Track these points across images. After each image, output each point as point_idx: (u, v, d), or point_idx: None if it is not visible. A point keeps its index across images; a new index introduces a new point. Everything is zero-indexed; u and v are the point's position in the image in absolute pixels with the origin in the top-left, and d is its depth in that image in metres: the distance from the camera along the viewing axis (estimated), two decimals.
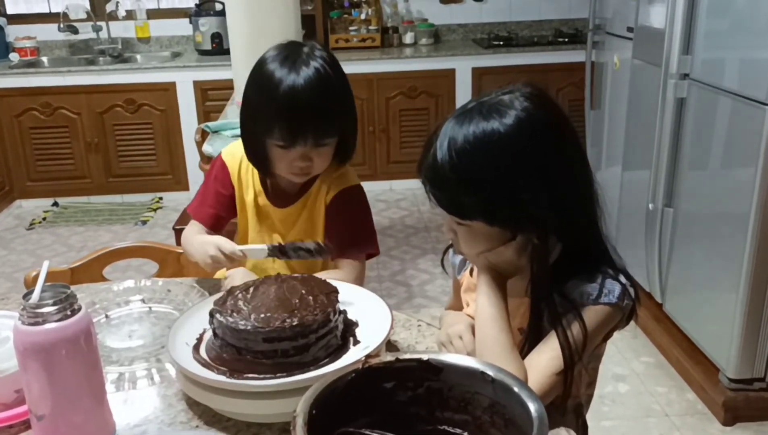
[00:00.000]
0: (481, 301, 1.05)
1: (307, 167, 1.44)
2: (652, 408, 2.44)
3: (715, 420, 2.34)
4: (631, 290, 1.06)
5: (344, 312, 1.13)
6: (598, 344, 1.09)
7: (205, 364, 1.05)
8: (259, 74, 1.42)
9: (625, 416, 2.40)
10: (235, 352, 1.03)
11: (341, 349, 1.07)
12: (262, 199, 1.57)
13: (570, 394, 1.06)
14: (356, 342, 1.10)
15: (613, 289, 1.04)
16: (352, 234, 1.53)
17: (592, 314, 1.03)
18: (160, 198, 4.68)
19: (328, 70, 1.39)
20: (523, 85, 1.04)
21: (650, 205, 2.69)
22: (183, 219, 3.05)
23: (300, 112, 1.36)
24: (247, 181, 1.57)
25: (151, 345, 1.26)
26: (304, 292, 1.09)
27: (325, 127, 1.40)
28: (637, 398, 2.49)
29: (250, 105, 1.45)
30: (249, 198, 1.57)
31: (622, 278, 1.06)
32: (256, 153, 1.48)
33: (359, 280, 1.50)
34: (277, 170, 1.47)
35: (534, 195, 0.99)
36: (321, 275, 1.40)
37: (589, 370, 1.16)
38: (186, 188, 4.63)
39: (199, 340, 1.11)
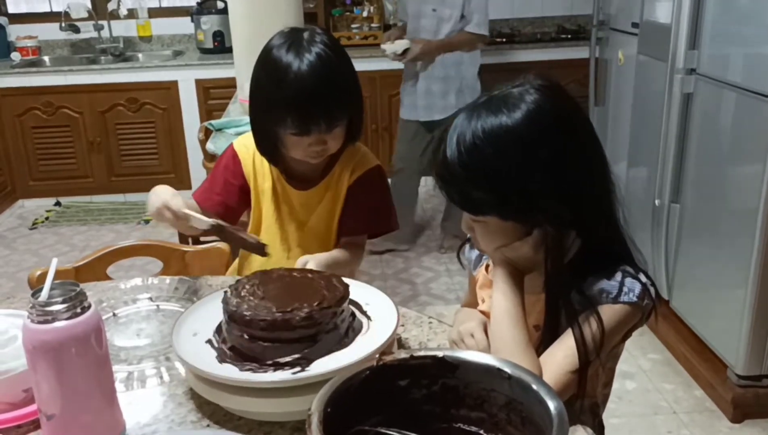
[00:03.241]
0: (497, 297, 1.04)
1: (323, 149, 1.46)
2: (660, 405, 2.43)
3: (724, 417, 2.33)
4: (652, 290, 1.04)
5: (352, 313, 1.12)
6: (616, 344, 1.08)
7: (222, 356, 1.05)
8: (266, 63, 1.43)
9: (632, 413, 2.39)
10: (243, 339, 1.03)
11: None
12: (282, 184, 1.57)
13: (584, 393, 1.04)
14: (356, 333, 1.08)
15: (633, 287, 1.02)
16: (373, 215, 1.59)
17: (610, 313, 1.01)
18: None
19: (330, 54, 1.40)
20: (534, 78, 1.02)
21: (656, 201, 2.68)
22: None
23: (309, 101, 1.38)
24: (264, 169, 1.57)
25: (160, 343, 1.24)
26: (315, 285, 1.09)
27: (336, 110, 1.41)
28: (644, 395, 2.48)
29: (260, 96, 1.46)
30: (266, 185, 1.57)
31: (643, 277, 1.04)
32: (267, 143, 1.49)
33: (363, 251, 1.61)
34: (294, 155, 1.48)
35: (545, 188, 0.98)
36: (333, 253, 1.50)
37: (606, 370, 1.14)
38: (189, 187, 4.61)
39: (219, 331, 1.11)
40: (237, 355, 1.03)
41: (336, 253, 1.52)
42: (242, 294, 1.06)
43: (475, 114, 1.00)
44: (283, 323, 1.01)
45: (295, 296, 1.05)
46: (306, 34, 1.42)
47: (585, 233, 1.04)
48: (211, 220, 1.38)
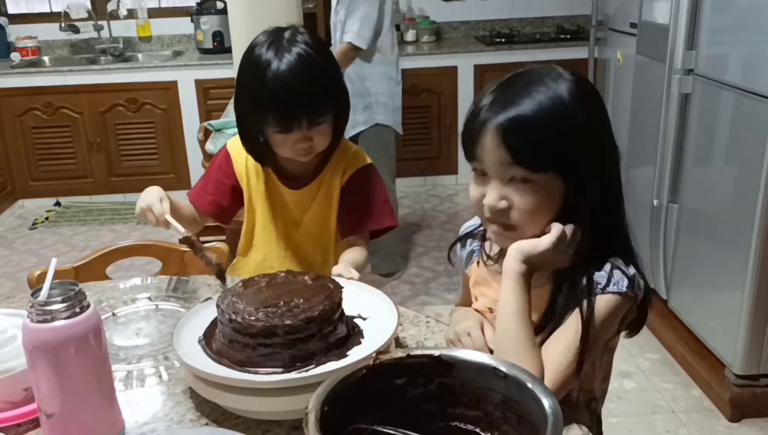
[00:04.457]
0: (507, 295, 1.03)
1: (310, 147, 1.46)
2: (658, 404, 2.44)
3: (722, 416, 2.34)
4: (641, 282, 1.05)
5: (343, 323, 1.09)
6: (611, 336, 1.09)
7: (212, 356, 1.05)
8: (248, 61, 1.45)
9: (631, 413, 2.40)
10: (227, 340, 1.04)
11: (287, 364, 1.02)
12: (275, 184, 1.58)
13: (578, 387, 1.05)
14: (323, 360, 1.03)
15: (622, 278, 1.04)
16: (369, 211, 1.58)
17: (600, 304, 1.02)
18: None
19: (311, 53, 1.41)
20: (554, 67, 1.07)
21: (655, 202, 2.68)
22: None
23: (290, 99, 1.39)
24: (257, 169, 1.58)
25: (159, 343, 1.25)
26: (298, 299, 1.06)
27: (317, 108, 1.42)
28: (642, 395, 2.49)
29: (243, 94, 1.48)
30: (260, 186, 1.58)
31: (632, 268, 1.06)
32: (253, 141, 1.50)
33: (369, 250, 1.59)
34: (282, 153, 1.49)
35: (589, 151, 1.03)
36: (347, 254, 1.50)
37: (603, 364, 1.15)
38: (188, 187, 4.58)
39: (211, 329, 1.11)
40: (233, 359, 1.03)
41: (353, 256, 1.51)
42: (234, 299, 1.06)
43: (523, 79, 1.05)
44: (279, 327, 1.00)
45: (291, 299, 1.05)
46: (287, 33, 1.44)
47: (598, 217, 1.06)
48: (184, 232, 1.39)
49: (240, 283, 1.12)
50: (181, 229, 1.40)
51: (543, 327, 1.07)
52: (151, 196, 1.44)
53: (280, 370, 1.00)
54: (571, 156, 1.02)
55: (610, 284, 1.03)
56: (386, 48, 3.32)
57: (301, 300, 1.06)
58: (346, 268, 1.36)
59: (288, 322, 1.01)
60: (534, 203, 1.03)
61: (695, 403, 2.43)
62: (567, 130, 1.02)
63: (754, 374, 2.29)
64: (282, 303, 1.04)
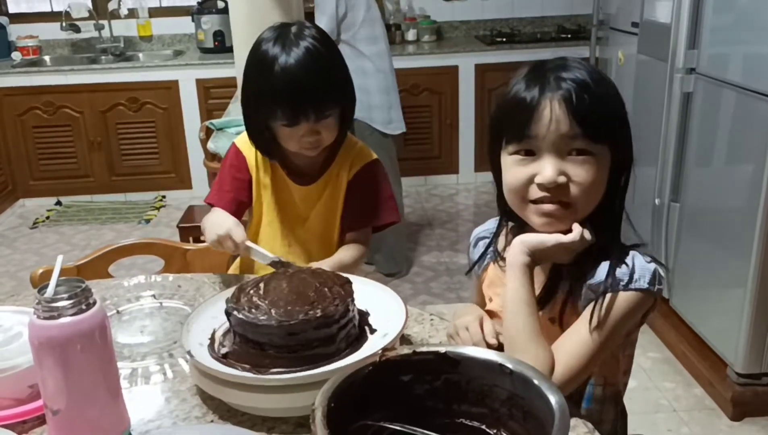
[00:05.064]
0: (514, 287, 1.04)
1: (317, 140, 1.48)
2: (660, 403, 2.44)
3: (723, 415, 2.34)
4: (662, 274, 1.06)
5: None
6: (631, 330, 1.09)
7: (227, 363, 1.03)
8: (255, 57, 1.46)
9: (632, 411, 2.36)
10: (257, 347, 1.02)
11: (360, 338, 1.08)
12: (282, 179, 1.58)
13: (604, 382, 1.07)
14: (372, 330, 1.10)
15: (644, 274, 1.04)
16: (373, 207, 1.59)
17: (622, 300, 1.02)
18: (163, 196, 4.68)
19: (318, 47, 1.43)
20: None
21: (657, 201, 2.68)
22: (187, 217, 3.04)
23: (297, 92, 1.40)
24: (266, 163, 1.59)
25: (163, 340, 1.25)
26: (318, 284, 1.09)
27: (324, 101, 1.44)
28: (644, 394, 2.49)
29: (250, 88, 1.49)
30: (268, 180, 1.59)
31: (653, 263, 1.06)
32: (260, 137, 1.51)
33: (369, 247, 1.60)
34: (290, 147, 1.50)
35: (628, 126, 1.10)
36: (339, 253, 1.53)
37: (625, 357, 1.16)
38: (189, 187, 4.63)
39: (212, 339, 1.10)
40: (241, 359, 1.03)
41: (341, 256, 1.53)
42: (244, 300, 1.06)
43: (557, 60, 1.08)
44: (288, 328, 1.00)
45: (300, 301, 1.05)
46: (294, 28, 1.45)
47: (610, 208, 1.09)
48: (273, 256, 1.37)
49: (235, 299, 1.07)
50: (268, 253, 1.40)
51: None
52: (229, 222, 1.42)
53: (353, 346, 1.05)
54: (620, 127, 1.06)
55: (632, 281, 1.03)
56: (360, 42, 3.25)
57: (318, 284, 1.08)
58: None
59: (349, 298, 1.06)
60: (593, 175, 1.03)
61: (697, 402, 2.43)
62: (616, 100, 1.06)
63: (755, 373, 2.29)
64: (314, 295, 1.05)
